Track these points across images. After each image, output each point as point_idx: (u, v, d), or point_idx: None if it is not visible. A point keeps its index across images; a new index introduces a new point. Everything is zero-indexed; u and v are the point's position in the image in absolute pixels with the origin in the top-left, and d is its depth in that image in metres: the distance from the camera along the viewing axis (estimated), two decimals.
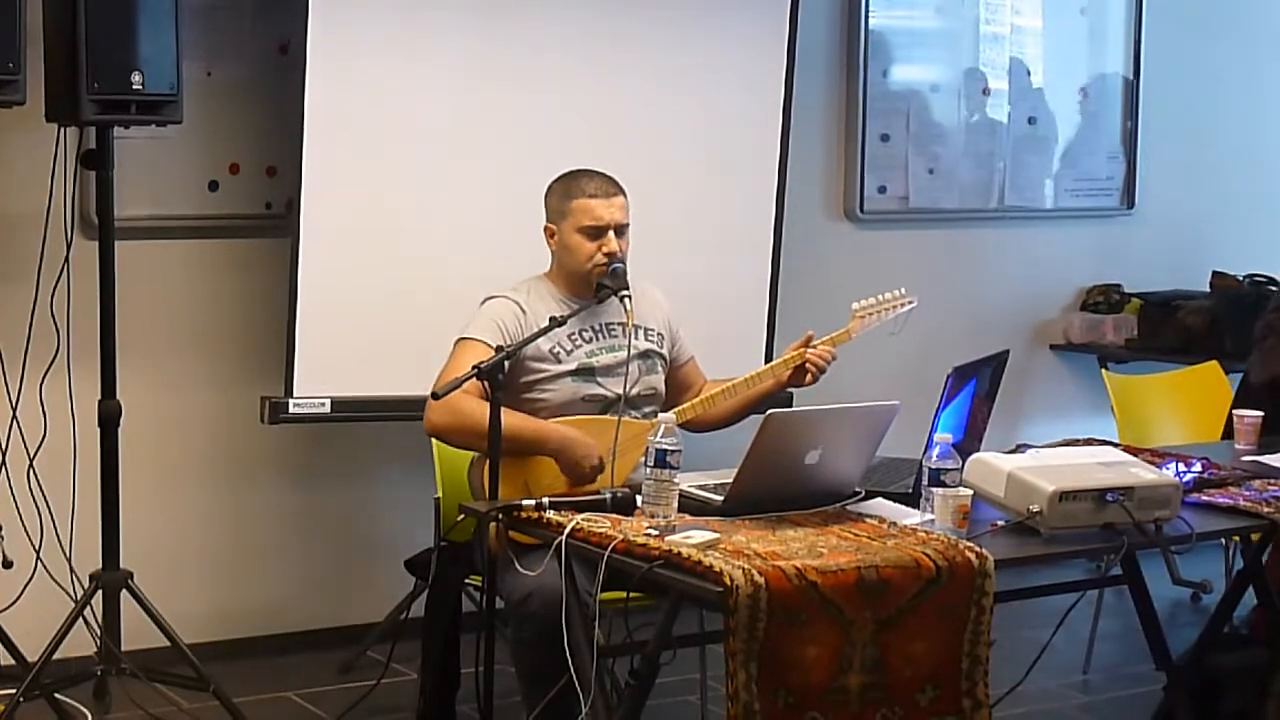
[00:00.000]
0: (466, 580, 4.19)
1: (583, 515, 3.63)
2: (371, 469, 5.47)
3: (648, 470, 3.64)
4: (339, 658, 5.21)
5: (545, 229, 4.31)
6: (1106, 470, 3.78)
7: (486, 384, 3.85)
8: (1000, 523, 3.71)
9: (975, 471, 3.75)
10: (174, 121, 4.63)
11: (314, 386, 5.02)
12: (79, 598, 4.63)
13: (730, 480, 3.76)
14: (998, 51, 6.46)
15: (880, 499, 3.89)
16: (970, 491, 3.66)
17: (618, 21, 5.35)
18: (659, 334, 4.38)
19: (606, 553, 3.45)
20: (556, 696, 3.71)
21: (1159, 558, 5.10)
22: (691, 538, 3.43)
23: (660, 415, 3.83)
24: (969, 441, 4.03)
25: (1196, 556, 4.79)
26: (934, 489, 3.64)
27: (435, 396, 3.95)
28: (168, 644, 4.63)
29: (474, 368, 3.85)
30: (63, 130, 4.65)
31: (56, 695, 4.58)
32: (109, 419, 4.67)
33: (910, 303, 4.38)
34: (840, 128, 6.17)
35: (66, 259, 4.74)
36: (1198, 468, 4.19)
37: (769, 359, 5.29)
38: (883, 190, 6.26)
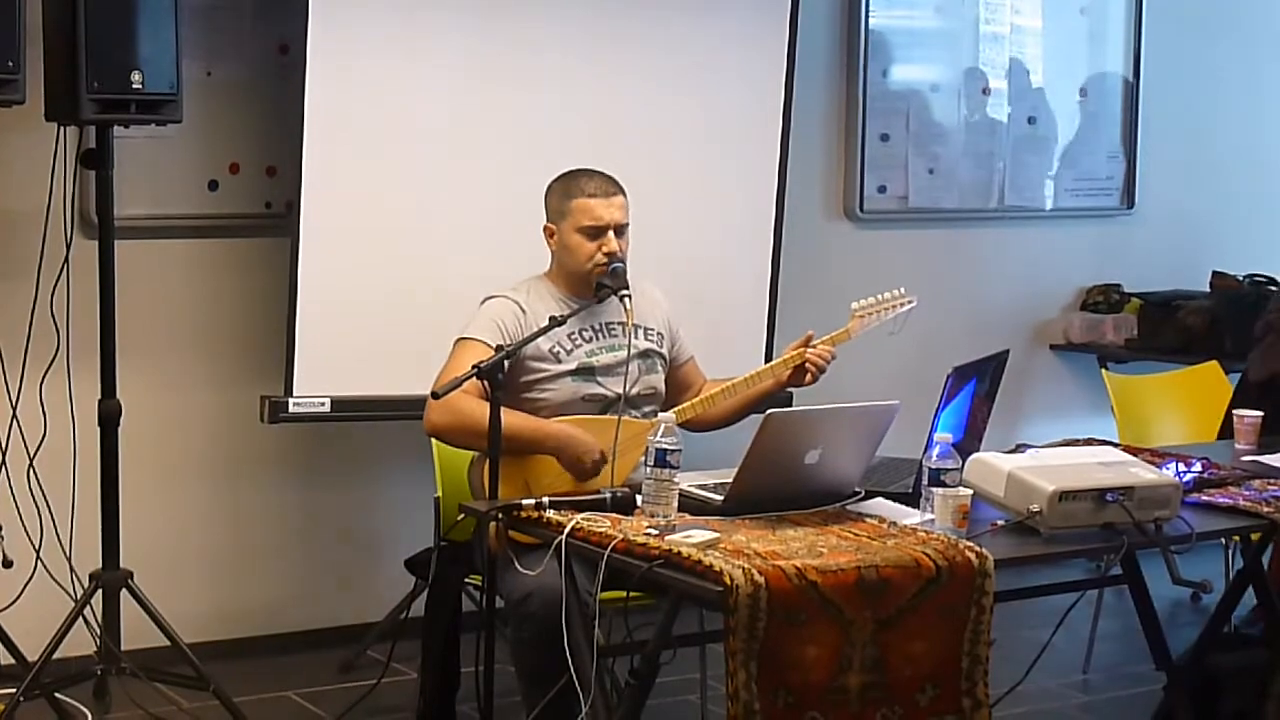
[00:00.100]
0: (466, 580, 4.19)
1: (582, 515, 3.63)
2: (371, 469, 5.47)
3: (648, 470, 3.63)
4: (339, 657, 5.21)
5: (545, 229, 4.31)
6: (1106, 470, 3.78)
7: (486, 384, 3.85)
8: (1000, 522, 3.71)
9: (975, 471, 3.75)
10: (174, 121, 4.63)
11: (314, 386, 5.02)
12: (79, 597, 4.63)
13: (730, 480, 3.76)
14: (998, 51, 6.46)
15: (880, 499, 3.89)
16: (970, 491, 3.66)
17: (618, 21, 5.35)
18: (659, 333, 4.38)
19: (606, 552, 3.45)
20: (556, 696, 3.71)
21: (1159, 557, 5.10)
22: (691, 537, 3.43)
23: (660, 415, 3.83)
24: (969, 441, 4.03)
25: (1196, 556, 4.78)
26: (934, 489, 3.64)
27: (435, 396, 3.95)
28: (168, 644, 4.64)
29: (474, 367, 3.85)
30: (62, 129, 4.65)
31: (56, 695, 4.58)
32: (109, 418, 4.67)
33: (910, 302, 4.38)
34: (840, 127, 6.17)
35: (66, 258, 4.74)
36: (1198, 468, 4.19)
37: (769, 359, 5.29)
38: (883, 190, 6.26)
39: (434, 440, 4.22)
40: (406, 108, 5.09)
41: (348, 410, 5.10)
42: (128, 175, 4.88)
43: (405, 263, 5.10)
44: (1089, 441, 4.44)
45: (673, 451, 3.61)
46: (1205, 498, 4.01)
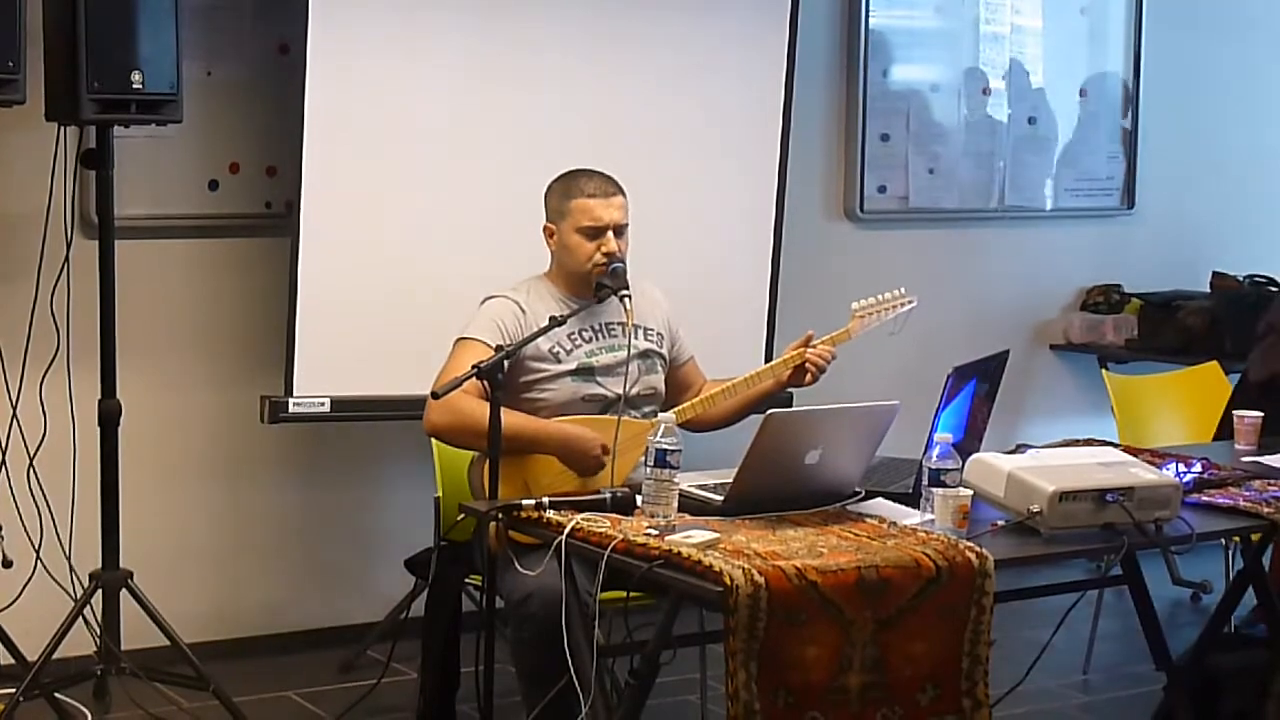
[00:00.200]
0: (466, 580, 4.19)
1: (582, 515, 3.63)
2: (371, 469, 5.47)
3: (648, 470, 3.63)
4: (339, 657, 5.21)
5: (544, 229, 4.31)
6: (1106, 470, 3.77)
7: (486, 384, 3.85)
8: (1000, 523, 3.71)
9: (975, 471, 3.75)
10: (174, 121, 4.63)
11: (314, 386, 5.02)
12: (79, 597, 4.63)
13: (730, 480, 3.76)
14: (998, 51, 6.46)
15: (880, 499, 3.89)
16: (970, 491, 3.66)
17: (618, 21, 5.35)
18: (659, 334, 4.38)
19: (606, 552, 3.45)
20: (556, 696, 3.71)
21: (1159, 558, 5.11)
22: (691, 537, 3.43)
23: (660, 415, 3.83)
24: (969, 441, 4.03)
25: (1196, 557, 4.79)
26: (934, 489, 3.64)
27: (435, 396, 3.95)
28: (168, 643, 4.64)
29: (474, 367, 3.85)
30: (63, 129, 4.65)
31: (56, 695, 4.58)
32: (109, 418, 4.67)
33: (910, 302, 4.38)
34: (840, 127, 6.17)
35: (66, 258, 4.74)
36: (1198, 468, 4.19)
37: (769, 359, 5.29)
38: (883, 190, 6.26)
39: (434, 440, 4.22)
40: (406, 108, 5.09)
41: (348, 410, 5.10)
42: (128, 175, 4.88)
43: (405, 263, 5.10)
44: (1089, 442, 4.44)
45: (673, 452, 3.61)
46: (1205, 498, 4.01)
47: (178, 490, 5.22)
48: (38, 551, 4.73)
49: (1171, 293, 6.61)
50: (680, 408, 4.19)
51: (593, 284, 4.23)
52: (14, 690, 4.44)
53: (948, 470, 3.65)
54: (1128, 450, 4.23)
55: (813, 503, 3.79)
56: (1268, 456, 4.44)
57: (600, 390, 4.22)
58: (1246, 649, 4.62)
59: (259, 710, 4.77)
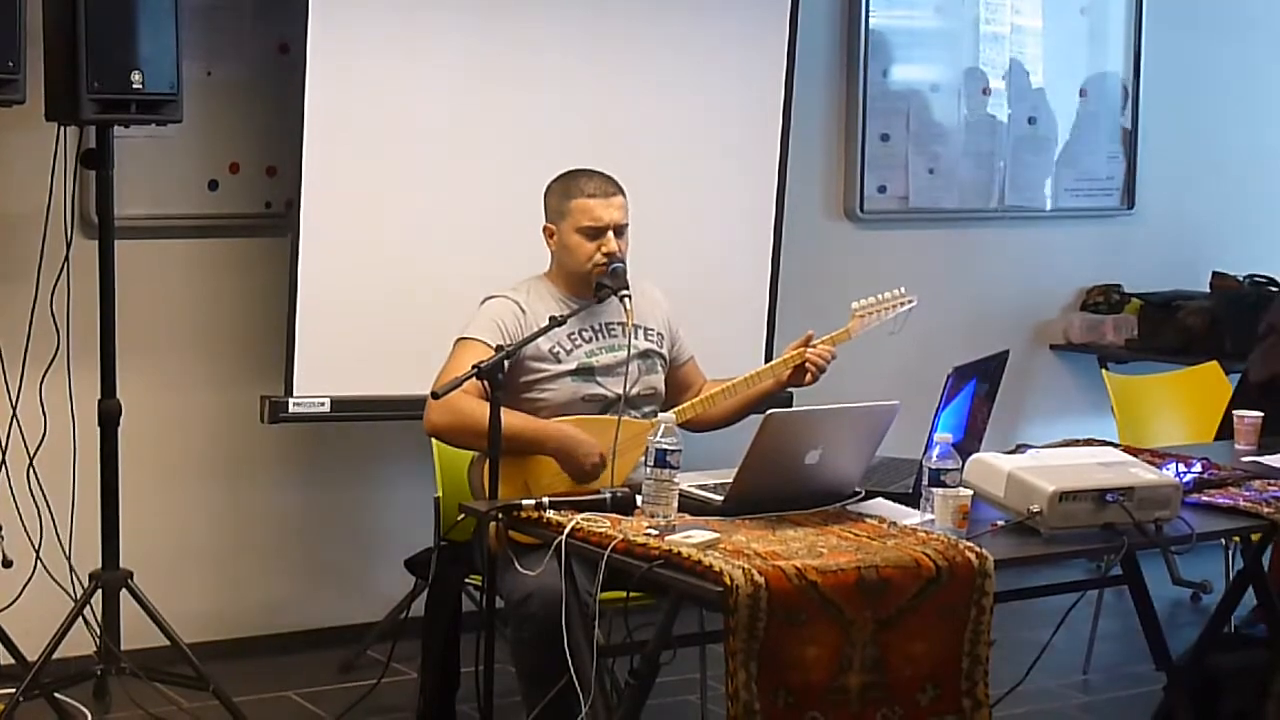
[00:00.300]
0: (466, 580, 4.19)
1: (582, 515, 3.63)
2: (371, 469, 5.47)
3: (648, 470, 3.63)
4: (339, 657, 5.21)
5: (544, 229, 4.31)
6: (1106, 470, 3.77)
7: (486, 384, 3.85)
8: (1000, 523, 3.71)
9: (975, 471, 3.75)
10: (174, 121, 4.63)
11: (314, 386, 5.02)
12: (79, 597, 4.63)
13: (730, 480, 3.76)
14: (998, 51, 6.46)
15: (880, 499, 3.89)
16: (970, 491, 3.66)
17: (618, 21, 5.35)
18: (659, 334, 4.38)
19: (606, 552, 3.45)
20: (556, 696, 3.71)
21: (1159, 558, 5.11)
22: (691, 537, 3.43)
23: (660, 415, 3.83)
24: (969, 441, 4.03)
25: (1196, 557, 4.79)
26: (934, 489, 3.64)
27: (435, 396, 3.95)
28: (167, 643, 4.63)
29: (474, 367, 3.85)
30: (63, 129, 4.65)
31: (56, 695, 4.58)
32: (109, 418, 4.67)
33: (910, 302, 4.38)
34: (840, 127, 6.17)
35: (66, 258, 4.74)
36: (1198, 468, 4.19)
37: (769, 359, 5.29)
38: (883, 190, 6.26)
39: (434, 440, 4.22)
40: (406, 108, 5.09)
41: (348, 410, 5.10)
42: (128, 175, 4.88)
43: (405, 263, 5.10)
44: (1089, 442, 4.44)
45: (673, 452, 3.61)
46: (1205, 498, 4.01)
47: (178, 490, 5.22)
48: (38, 551, 4.73)
49: (1171, 293, 6.61)
50: (680, 408, 4.19)
51: (593, 284, 4.23)
52: (14, 690, 4.44)
53: (948, 470, 3.65)
54: (1128, 450, 4.23)
55: (813, 503, 3.79)
56: (1268, 456, 4.44)
57: (600, 390, 4.22)
58: (1246, 649, 4.62)
59: (259, 710, 4.77)
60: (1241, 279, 6.64)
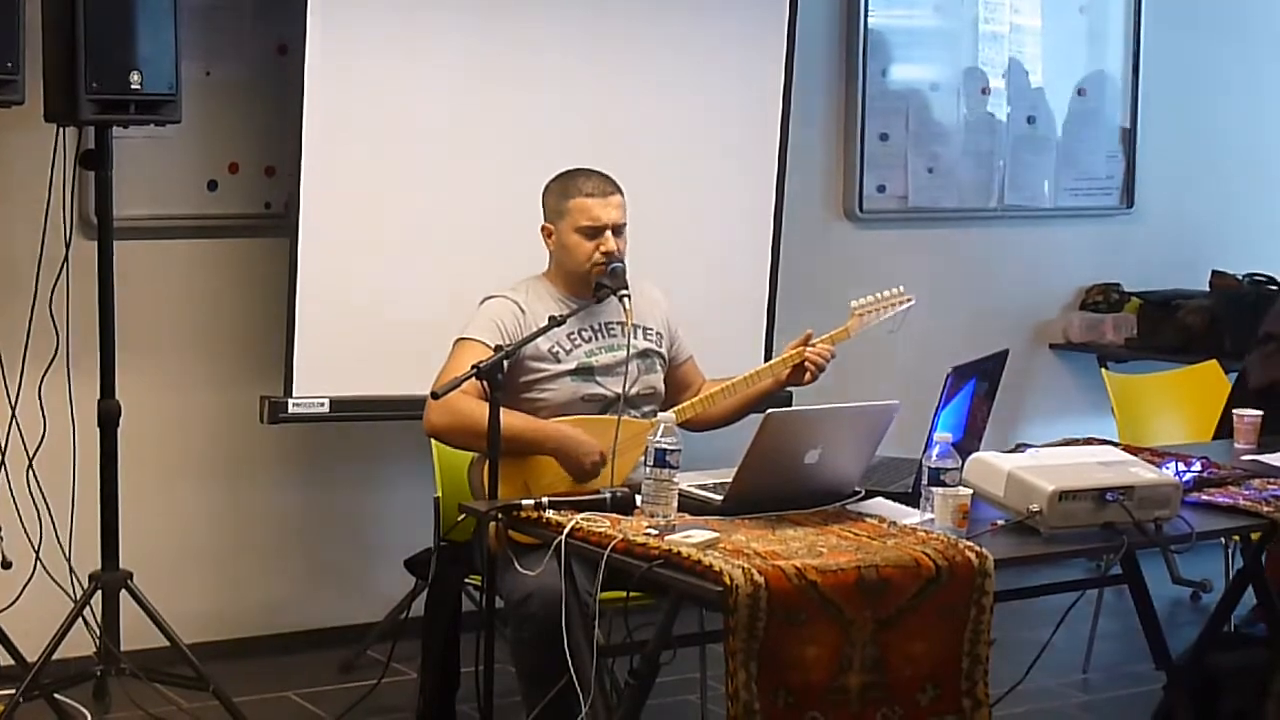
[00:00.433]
0: (466, 580, 4.19)
1: (582, 515, 3.63)
2: (371, 469, 5.47)
3: (647, 470, 3.63)
4: (339, 658, 5.21)
5: (543, 229, 4.31)
6: (1106, 470, 3.77)
7: (486, 384, 3.84)
8: (1000, 522, 3.71)
9: (975, 471, 3.75)
10: (173, 121, 4.63)
11: (313, 386, 5.02)
12: (78, 598, 4.63)
13: (730, 480, 3.76)
14: (997, 50, 6.46)
15: (880, 498, 3.89)
16: (970, 491, 3.66)
17: (618, 21, 5.35)
18: (658, 333, 4.38)
19: (606, 552, 3.45)
20: (556, 696, 3.71)
21: (1159, 557, 5.10)
22: (691, 537, 3.43)
23: (660, 414, 3.83)
24: (968, 441, 4.03)
25: (1196, 556, 4.78)
26: (934, 488, 3.64)
27: (434, 396, 3.95)
28: (167, 644, 4.63)
29: (473, 367, 3.85)
30: (61, 130, 4.64)
31: (56, 695, 4.58)
32: (108, 419, 4.66)
33: (908, 301, 4.38)
34: (840, 127, 6.17)
35: (65, 259, 4.74)
36: (1197, 467, 4.19)
37: (768, 358, 5.28)
38: (882, 189, 6.26)
39: (434, 440, 4.22)
40: (406, 108, 5.09)
41: (347, 410, 5.10)
42: (127, 175, 4.88)
43: (405, 263, 5.10)
44: (1089, 441, 4.43)
45: (672, 451, 3.61)
46: (1205, 497, 4.01)
47: (177, 490, 5.22)
48: (37, 552, 4.73)
49: (1171, 292, 6.61)
50: (680, 407, 4.19)
51: (592, 284, 4.23)
52: (14, 691, 4.44)
53: (947, 470, 3.65)
54: (1127, 449, 4.22)
55: (812, 502, 3.79)
56: (1267, 455, 4.44)
57: (600, 390, 4.22)
58: (1246, 648, 4.62)
59: (259, 710, 4.77)
60: (1241, 278, 6.64)
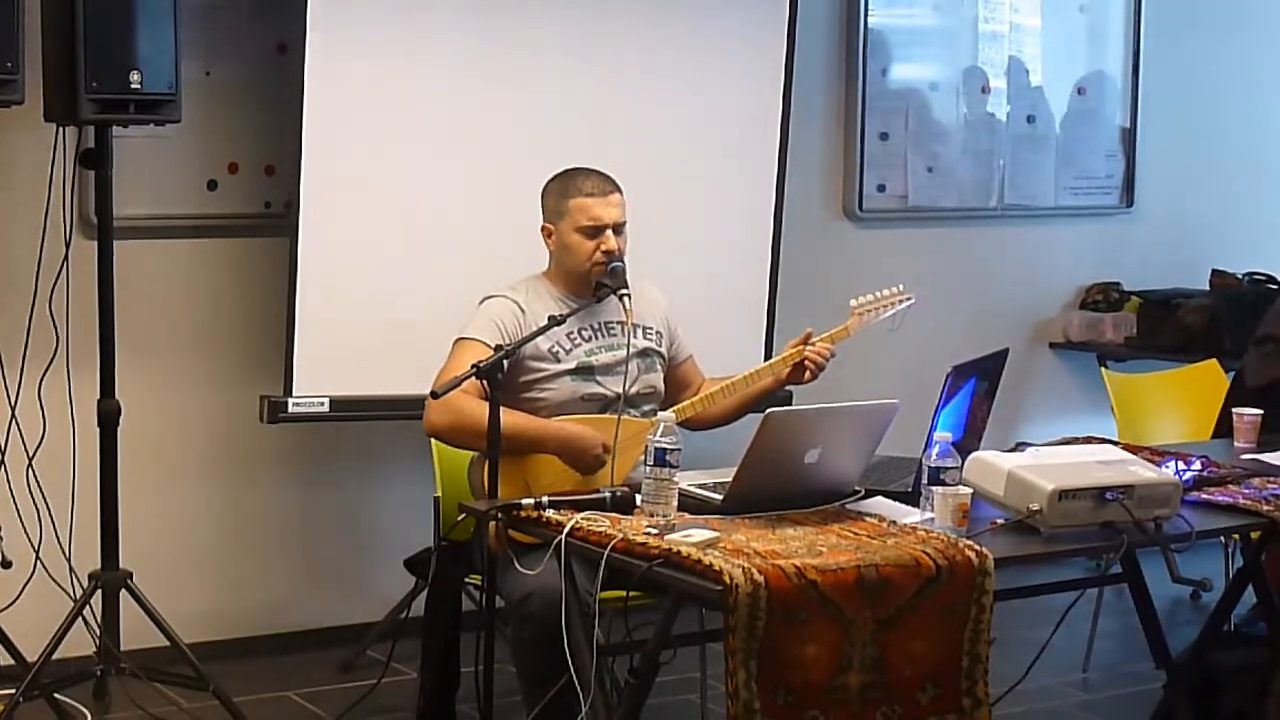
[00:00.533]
0: (466, 580, 4.19)
1: (582, 514, 3.63)
2: (371, 468, 5.47)
3: (647, 469, 3.63)
4: (339, 657, 5.21)
5: (542, 229, 4.31)
6: (1106, 469, 3.77)
7: (485, 383, 3.84)
8: (1000, 521, 3.71)
9: (975, 470, 3.75)
10: (172, 121, 4.63)
11: (313, 386, 5.02)
12: (78, 597, 4.63)
13: (730, 479, 3.76)
14: (996, 50, 6.46)
15: (880, 497, 3.89)
16: (970, 490, 3.66)
17: (618, 21, 5.35)
18: (657, 332, 4.38)
19: (606, 552, 3.45)
20: (556, 696, 3.71)
21: (1159, 556, 5.09)
22: (691, 536, 3.43)
23: (659, 414, 3.83)
24: (968, 440, 4.03)
25: (1196, 555, 4.78)
26: (934, 487, 3.64)
27: (434, 396, 3.95)
28: (167, 644, 4.63)
29: (473, 367, 3.84)
30: (61, 130, 4.64)
31: (56, 695, 4.58)
32: (108, 418, 4.66)
33: (908, 300, 4.38)
34: (839, 126, 6.17)
35: (65, 258, 4.74)
36: (1197, 466, 4.19)
37: (768, 357, 5.28)
38: (882, 189, 6.26)
39: (434, 440, 4.22)
40: (406, 107, 5.09)
41: (347, 410, 5.10)
42: (127, 175, 4.88)
43: (405, 263, 5.10)
44: (1088, 440, 4.44)
45: (672, 451, 3.61)
46: (1205, 496, 4.01)
47: (177, 490, 5.22)
48: (37, 552, 4.73)
49: (1171, 291, 6.61)
50: (679, 406, 4.19)
51: (592, 283, 4.23)
52: (14, 691, 4.44)
53: (947, 469, 3.65)
54: (1127, 448, 4.22)
55: (812, 502, 3.79)
56: (1267, 454, 4.44)
57: (599, 389, 4.22)
58: (1246, 647, 4.62)
59: (259, 710, 4.77)
60: (1241, 277, 6.64)
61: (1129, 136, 6.76)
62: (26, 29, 4.40)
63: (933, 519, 3.63)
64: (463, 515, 3.86)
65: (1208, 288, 6.65)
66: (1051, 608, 4.27)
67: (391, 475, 5.46)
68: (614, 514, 3.65)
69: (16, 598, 4.68)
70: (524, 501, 3.70)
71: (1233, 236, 6.94)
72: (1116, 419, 5.37)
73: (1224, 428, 4.83)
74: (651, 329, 4.36)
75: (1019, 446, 4.31)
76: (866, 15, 6.14)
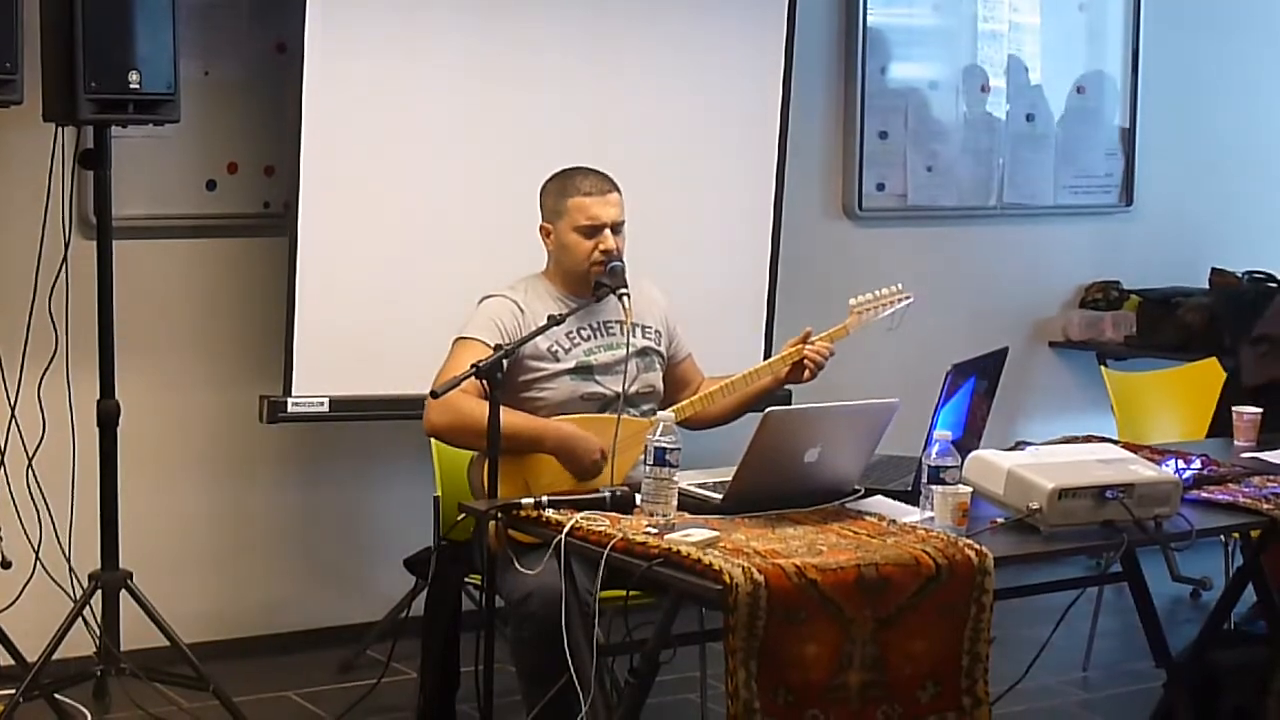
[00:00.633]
0: (466, 579, 4.19)
1: (582, 514, 3.63)
2: (371, 468, 5.47)
3: (647, 468, 3.63)
4: (339, 657, 5.21)
5: (541, 228, 4.30)
6: (1106, 467, 3.77)
7: (485, 383, 3.84)
8: (1000, 520, 3.71)
9: (975, 469, 3.75)
10: (171, 121, 4.63)
11: (312, 385, 5.02)
12: (78, 598, 4.63)
13: (729, 478, 3.76)
14: (996, 49, 6.46)
15: (880, 497, 3.89)
16: (970, 489, 3.66)
17: (618, 21, 5.35)
18: (656, 331, 4.38)
19: (606, 551, 3.45)
20: (556, 695, 3.71)
21: (1159, 555, 5.11)
22: (691, 536, 3.43)
23: (659, 413, 3.83)
24: (968, 439, 4.03)
25: (1196, 553, 4.78)
26: (933, 486, 3.64)
27: (434, 395, 3.95)
28: (167, 644, 4.63)
29: (472, 366, 3.84)
30: (60, 130, 4.64)
31: (56, 695, 4.58)
32: (108, 418, 4.66)
33: (907, 298, 4.38)
34: (839, 125, 6.17)
35: (65, 259, 4.74)
36: (1197, 464, 4.19)
37: (768, 356, 5.28)
38: (881, 188, 6.26)
39: (433, 440, 4.22)
40: (406, 108, 5.09)
41: (347, 410, 5.10)
42: (126, 175, 4.88)
43: (404, 263, 5.10)
44: (1088, 439, 4.44)
45: (672, 450, 3.61)
46: (1205, 495, 4.01)
47: (177, 490, 5.22)
48: (37, 552, 4.73)
49: (1170, 289, 6.61)
50: (679, 405, 4.19)
51: (591, 282, 4.23)
52: (14, 691, 4.44)
53: (947, 468, 3.64)
54: (1127, 447, 4.22)
55: (812, 501, 3.78)
56: (1267, 452, 4.44)
57: (599, 389, 4.22)
58: (1246, 646, 4.62)
59: (259, 710, 4.77)
60: (1240, 275, 6.64)
61: (1128, 135, 6.76)
62: (26, 29, 4.40)
63: (933, 518, 3.63)
64: (462, 515, 3.86)
65: (1207, 286, 6.65)
66: (1051, 606, 4.27)
67: (391, 475, 5.46)
68: (614, 513, 3.65)
69: (16, 598, 4.68)
70: (524, 501, 3.70)
71: (1232, 235, 6.94)
72: (1116, 418, 5.37)
73: (1218, 426, 4.83)
74: (650, 328, 4.36)
75: (1019, 445, 4.31)
76: (866, 14, 6.14)
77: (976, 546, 3.50)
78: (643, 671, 3.53)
